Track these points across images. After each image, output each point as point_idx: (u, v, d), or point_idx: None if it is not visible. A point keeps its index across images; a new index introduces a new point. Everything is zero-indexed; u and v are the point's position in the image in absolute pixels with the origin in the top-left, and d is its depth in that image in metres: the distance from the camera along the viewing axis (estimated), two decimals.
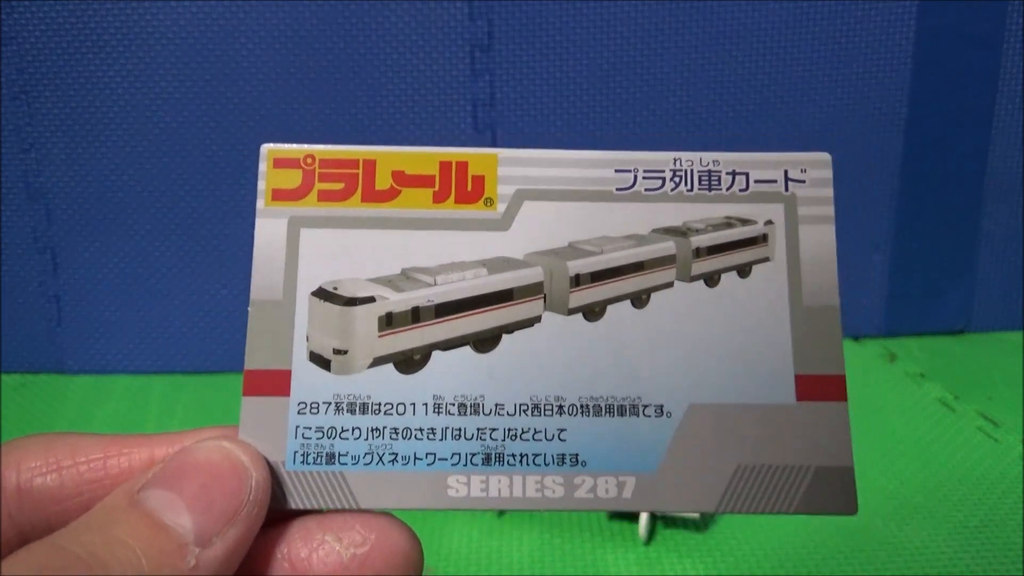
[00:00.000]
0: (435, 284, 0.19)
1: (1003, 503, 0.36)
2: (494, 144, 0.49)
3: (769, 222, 0.19)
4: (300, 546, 0.17)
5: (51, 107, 0.47)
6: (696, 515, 0.35)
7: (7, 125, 0.47)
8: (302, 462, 0.17)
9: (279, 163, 0.19)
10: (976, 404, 0.45)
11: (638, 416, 0.18)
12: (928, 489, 0.38)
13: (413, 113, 0.48)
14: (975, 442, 0.41)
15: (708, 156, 0.19)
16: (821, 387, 0.18)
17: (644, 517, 0.34)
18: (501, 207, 0.19)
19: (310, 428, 0.18)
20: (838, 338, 0.19)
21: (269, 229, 0.19)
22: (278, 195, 0.19)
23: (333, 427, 0.18)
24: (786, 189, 0.19)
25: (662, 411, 0.18)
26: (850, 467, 0.18)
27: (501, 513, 0.36)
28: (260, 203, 0.19)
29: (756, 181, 0.19)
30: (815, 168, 0.19)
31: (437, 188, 0.19)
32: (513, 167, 0.19)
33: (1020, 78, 0.49)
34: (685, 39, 0.48)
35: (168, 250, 0.49)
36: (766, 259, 0.19)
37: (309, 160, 0.19)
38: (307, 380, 0.18)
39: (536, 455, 0.18)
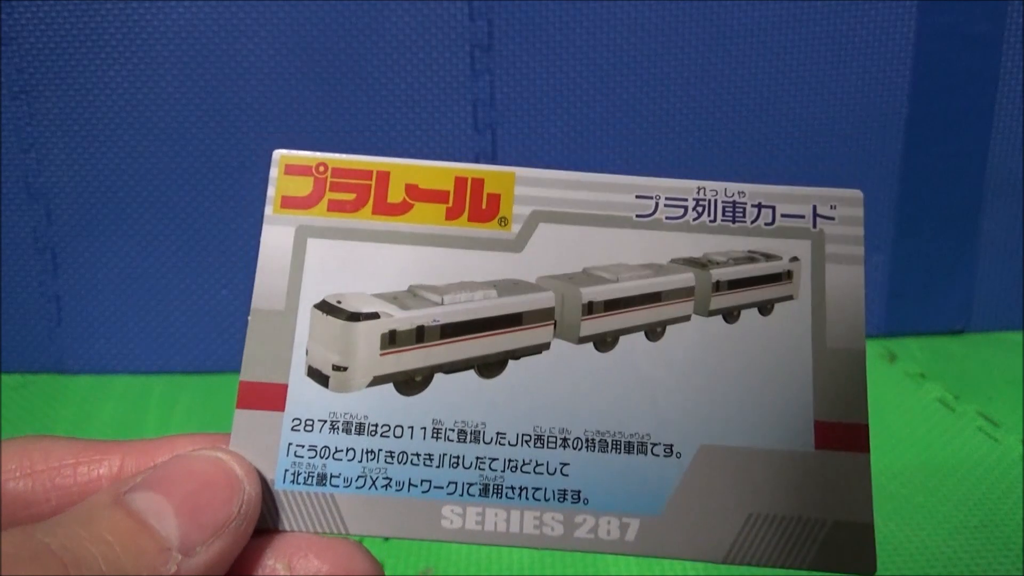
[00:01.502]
0: (442, 303, 0.18)
1: (1003, 503, 0.36)
2: (494, 145, 0.49)
3: (795, 259, 0.18)
4: (245, 573, 0.16)
5: (51, 107, 0.47)
6: None
7: (7, 125, 0.47)
8: (292, 481, 0.17)
9: (291, 170, 0.18)
10: (976, 404, 0.44)
11: (646, 455, 0.17)
12: (928, 489, 0.37)
13: (413, 113, 0.48)
14: (975, 442, 0.41)
15: (734, 187, 0.19)
16: (842, 436, 0.17)
17: None
18: (515, 227, 0.18)
19: (303, 446, 0.17)
20: (863, 385, 0.17)
21: (276, 237, 0.18)
22: (287, 203, 0.18)
23: (327, 446, 0.17)
24: (814, 226, 0.18)
25: (671, 451, 0.17)
26: (870, 524, 0.17)
27: None
28: (268, 209, 0.18)
29: (783, 216, 0.18)
30: (846, 205, 0.18)
31: (451, 204, 0.18)
32: (530, 187, 0.18)
33: (1020, 78, 0.49)
34: (684, 39, 0.48)
35: (168, 250, 0.49)
36: (790, 297, 0.18)
37: (321, 168, 0.18)
38: (303, 396, 0.17)
39: (536, 489, 0.17)
